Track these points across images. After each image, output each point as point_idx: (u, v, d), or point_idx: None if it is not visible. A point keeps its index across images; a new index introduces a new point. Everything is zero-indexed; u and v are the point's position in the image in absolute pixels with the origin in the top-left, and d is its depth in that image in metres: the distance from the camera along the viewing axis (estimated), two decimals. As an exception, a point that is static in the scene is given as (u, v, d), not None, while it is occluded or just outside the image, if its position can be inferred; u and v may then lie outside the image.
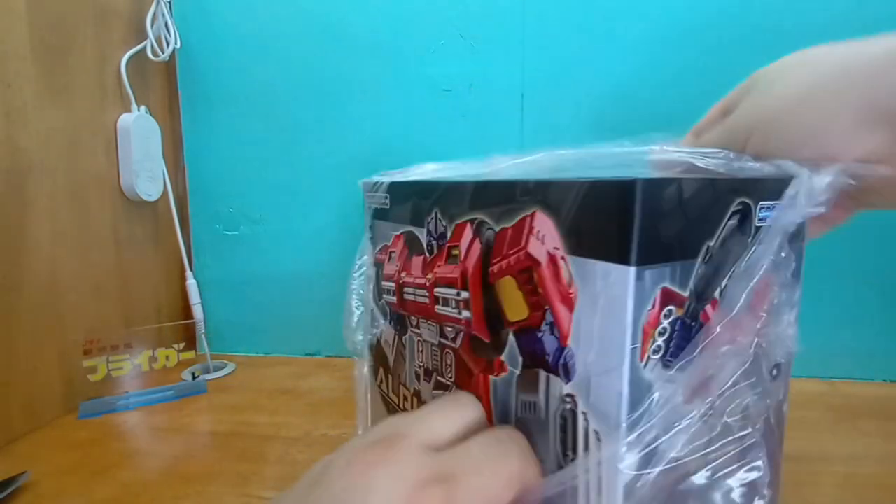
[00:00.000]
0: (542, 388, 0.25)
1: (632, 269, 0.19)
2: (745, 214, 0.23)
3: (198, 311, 0.60)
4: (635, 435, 0.21)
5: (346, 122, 0.58)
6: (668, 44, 0.52)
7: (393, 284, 0.39)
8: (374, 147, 0.58)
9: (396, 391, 0.42)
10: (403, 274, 0.38)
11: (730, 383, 0.23)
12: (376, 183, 0.41)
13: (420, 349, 0.37)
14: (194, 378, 0.56)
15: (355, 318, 0.41)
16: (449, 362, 0.33)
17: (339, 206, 0.60)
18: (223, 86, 0.60)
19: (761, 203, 0.23)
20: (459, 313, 0.31)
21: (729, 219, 0.22)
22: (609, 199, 0.20)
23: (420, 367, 0.37)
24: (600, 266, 0.20)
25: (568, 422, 0.23)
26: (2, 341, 0.42)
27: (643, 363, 0.20)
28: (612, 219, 0.20)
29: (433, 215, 0.33)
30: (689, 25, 0.51)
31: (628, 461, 0.21)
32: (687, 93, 0.52)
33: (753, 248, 0.23)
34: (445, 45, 0.55)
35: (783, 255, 0.24)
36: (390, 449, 0.19)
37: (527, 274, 0.25)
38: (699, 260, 0.21)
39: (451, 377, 0.33)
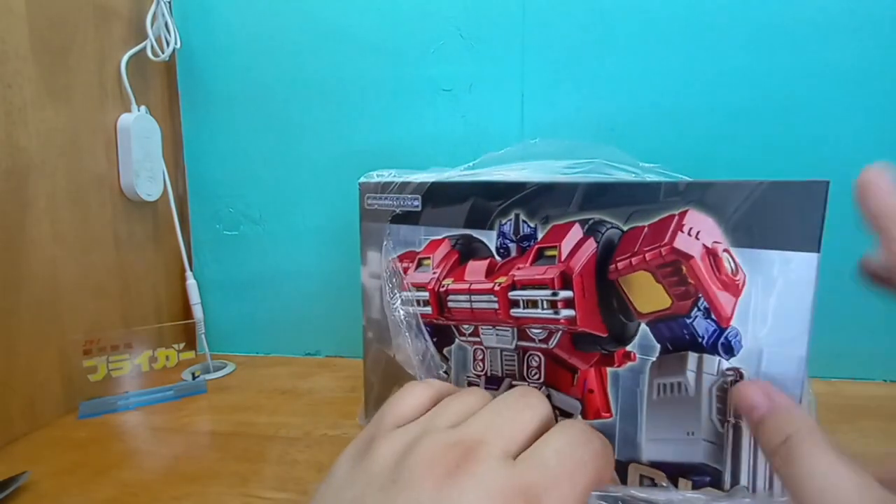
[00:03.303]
0: (692, 368, 0.28)
1: (816, 256, 0.25)
2: None
3: (198, 311, 0.60)
4: (805, 390, 0.26)
5: (346, 122, 0.58)
6: (669, 43, 0.52)
7: (427, 294, 0.37)
8: (374, 147, 0.58)
9: None
10: (449, 281, 0.36)
11: None
12: (401, 183, 0.38)
13: (479, 357, 0.36)
14: (194, 378, 0.56)
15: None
16: (535, 364, 0.34)
17: (339, 206, 0.60)
18: (223, 86, 0.60)
19: None
20: (556, 313, 0.32)
21: None
22: (797, 197, 0.24)
23: (478, 375, 0.36)
24: (778, 255, 0.25)
25: (729, 393, 0.27)
26: (2, 341, 0.42)
27: None
28: (805, 214, 0.24)
29: (512, 217, 0.33)
30: (689, 25, 0.51)
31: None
32: (687, 92, 0.52)
33: None
34: (445, 45, 0.55)
35: None
36: (472, 458, 0.19)
37: (670, 267, 0.28)
38: None
39: (538, 378, 0.34)
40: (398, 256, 0.38)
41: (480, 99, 0.56)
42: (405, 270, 0.38)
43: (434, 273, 0.37)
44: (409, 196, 0.38)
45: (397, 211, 0.38)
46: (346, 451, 0.22)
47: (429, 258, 0.37)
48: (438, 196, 0.36)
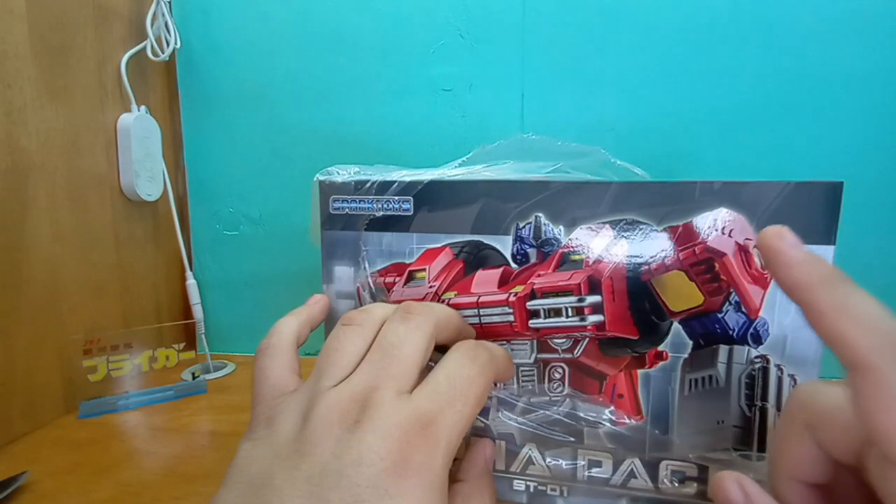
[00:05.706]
0: (723, 360, 0.29)
1: (833, 248, 0.27)
2: None
3: (198, 311, 0.60)
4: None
5: (346, 121, 0.58)
6: (670, 43, 0.52)
7: None
8: (373, 147, 0.58)
9: None
10: (450, 295, 0.32)
11: None
12: (382, 182, 0.33)
13: None
14: (194, 378, 0.56)
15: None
16: (558, 376, 0.32)
17: (339, 206, 0.60)
18: (223, 86, 0.60)
19: None
20: (583, 320, 0.30)
21: None
22: (817, 196, 0.26)
23: (490, 397, 0.33)
24: None
25: (757, 378, 0.29)
26: (2, 341, 0.42)
27: None
28: (823, 211, 0.26)
29: (533, 220, 0.31)
30: (689, 25, 0.51)
31: None
32: (688, 92, 0.52)
33: None
34: (445, 45, 0.55)
35: None
36: (369, 407, 0.20)
37: (703, 265, 0.28)
38: None
39: (561, 391, 0.32)
40: (378, 271, 0.34)
41: (480, 99, 0.56)
42: (390, 286, 0.33)
43: (431, 287, 0.33)
44: (396, 198, 0.33)
45: (377, 215, 0.33)
46: (247, 434, 0.23)
47: (423, 270, 0.33)
48: (436, 198, 0.32)
